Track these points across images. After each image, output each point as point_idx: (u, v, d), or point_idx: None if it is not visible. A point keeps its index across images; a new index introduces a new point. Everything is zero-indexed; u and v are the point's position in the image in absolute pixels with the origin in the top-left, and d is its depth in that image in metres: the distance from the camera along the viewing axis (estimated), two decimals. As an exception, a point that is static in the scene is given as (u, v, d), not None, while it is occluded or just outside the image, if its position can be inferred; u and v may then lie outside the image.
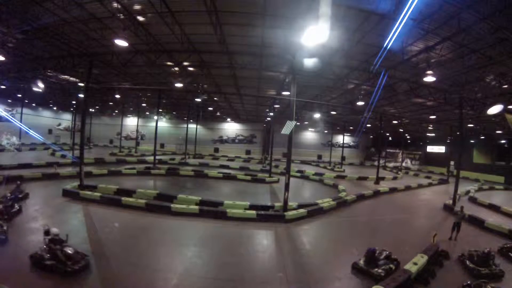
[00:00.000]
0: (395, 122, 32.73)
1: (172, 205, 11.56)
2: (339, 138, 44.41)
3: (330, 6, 4.95)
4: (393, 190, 21.00)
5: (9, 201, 9.60)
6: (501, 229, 11.43)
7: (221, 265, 7.30)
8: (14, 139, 28.04)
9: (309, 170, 28.76)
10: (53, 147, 30.56)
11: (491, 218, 13.43)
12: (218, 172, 22.97)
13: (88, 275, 6.34)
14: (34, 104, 38.66)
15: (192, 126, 40.69)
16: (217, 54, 14.37)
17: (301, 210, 12.19)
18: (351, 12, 9.63)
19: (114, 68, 18.29)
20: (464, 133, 25.78)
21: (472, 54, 11.46)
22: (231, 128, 46.54)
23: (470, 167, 33.77)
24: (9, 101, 34.29)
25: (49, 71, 20.34)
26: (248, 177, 21.43)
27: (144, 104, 37.08)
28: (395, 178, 28.81)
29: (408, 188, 22.95)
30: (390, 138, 47.99)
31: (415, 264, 6.98)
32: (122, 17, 11.45)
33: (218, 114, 40.78)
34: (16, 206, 9.71)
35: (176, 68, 18.23)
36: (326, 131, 44.45)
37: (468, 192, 21.39)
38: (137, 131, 41.76)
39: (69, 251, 6.49)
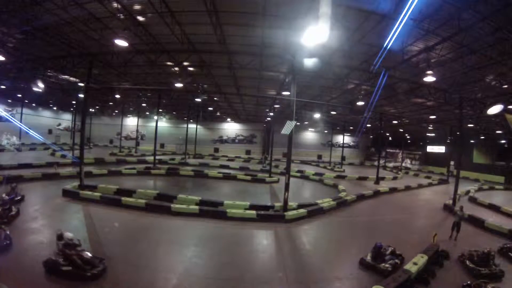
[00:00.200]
0: (395, 122, 32.72)
1: (172, 205, 11.56)
2: (339, 138, 44.40)
3: (330, 6, 4.94)
4: (393, 190, 21.00)
5: (7, 204, 9.32)
6: (501, 229, 11.43)
7: (221, 265, 7.31)
8: (14, 139, 28.00)
9: (309, 170, 28.76)
10: (53, 147, 30.56)
11: (491, 218, 13.43)
12: (218, 172, 22.97)
13: (107, 279, 6.19)
14: (34, 104, 38.65)
15: (192, 126, 40.67)
16: (217, 54, 14.37)
17: (301, 210, 12.19)
18: (351, 12, 9.63)
19: (114, 68, 18.29)
20: (464, 133, 25.78)
21: (472, 54, 11.46)
22: (231, 128, 46.53)
23: (470, 167, 33.75)
24: (9, 101, 34.28)
25: (49, 71, 20.34)
26: (248, 177, 21.43)
27: (144, 104, 37.07)
28: (395, 178, 28.80)
29: (408, 188, 22.94)
30: (390, 138, 47.98)
31: (415, 264, 6.99)
32: (122, 17, 11.46)
33: (218, 114, 40.78)
34: (14, 209, 9.41)
35: (176, 68, 18.23)
36: (326, 131, 44.45)
37: (468, 192, 21.39)
38: (137, 131, 41.74)
39: (87, 255, 6.33)
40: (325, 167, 35.11)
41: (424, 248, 8.28)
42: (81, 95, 26.71)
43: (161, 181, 19.22)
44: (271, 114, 29.20)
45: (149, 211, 11.40)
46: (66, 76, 22.94)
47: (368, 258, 7.79)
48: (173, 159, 32.09)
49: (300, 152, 43.12)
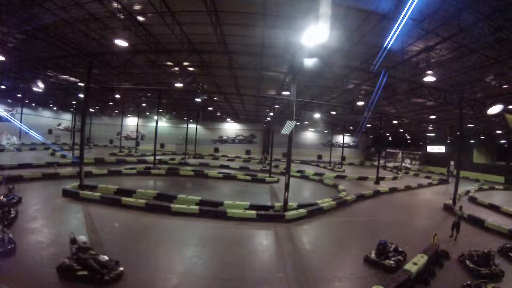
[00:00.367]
0: (395, 122, 32.73)
1: (172, 205, 11.56)
2: (339, 138, 44.41)
3: (330, 6, 4.94)
4: (393, 190, 20.99)
5: (5, 206, 9.03)
6: (501, 229, 11.43)
7: (221, 265, 7.30)
8: (14, 139, 28.00)
9: (309, 170, 28.77)
10: (53, 147, 30.57)
11: (491, 218, 13.42)
12: (218, 172, 22.98)
13: (126, 282, 6.09)
14: (34, 104, 38.66)
15: (192, 126, 40.68)
16: (217, 54, 14.37)
17: (301, 210, 12.19)
18: (351, 12, 9.64)
19: (114, 68, 18.29)
20: (464, 133, 25.80)
21: (472, 54, 11.47)
22: (231, 128, 46.53)
23: (470, 167, 33.75)
24: (9, 101, 34.29)
25: (49, 71, 20.36)
26: (248, 177, 21.43)
27: (144, 104, 37.09)
28: (395, 178, 28.80)
29: (408, 188, 22.94)
30: (390, 138, 48.00)
31: (415, 264, 6.98)
32: (122, 17, 11.46)
33: (218, 114, 40.78)
34: (13, 211, 9.19)
35: (176, 68, 18.24)
36: (326, 131, 44.45)
37: (468, 192, 21.38)
38: (137, 131, 41.74)
39: (103, 259, 6.17)
40: (325, 167, 35.12)
41: (424, 248, 8.28)
42: (81, 95, 26.73)
43: (161, 181, 19.22)
44: (271, 114, 29.21)
45: (149, 211, 11.39)
46: (66, 76, 22.95)
47: (373, 255, 7.94)
48: (173, 159, 32.09)
49: (300, 152, 43.12)
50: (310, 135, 47.04)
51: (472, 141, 35.88)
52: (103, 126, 47.79)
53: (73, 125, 39.42)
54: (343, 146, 40.19)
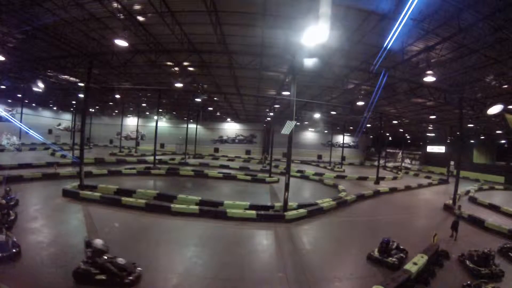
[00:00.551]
0: (395, 122, 32.73)
1: (172, 205, 11.56)
2: (339, 138, 44.41)
3: (330, 6, 4.94)
4: (393, 190, 20.99)
5: (4, 208, 8.84)
6: (501, 229, 11.43)
7: (221, 265, 7.30)
8: (14, 139, 27.99)
9: (309, 170, 28.77)
10: (53, 147, 30.56)
11: (491, 218, 13.42)
12: (218, 172, 22.97)
13: (144, 284, 6.05)
14: (34, 104, 38.66)
15: (192, 126, 40.68)
16: (217, 54, 14.37)
17: (301, 210, 12.19)
18: (351, 12, 9.64)
19: (114, 68, 18.29)
20: (464, 133, 25.80)
21: (472, 54, 11.47)
22: (231, 128, 46.53)
23: (470, 167, 33.75)
24: (9, 101, 34.29)
25: (49, 71, 20.36)
26: (248, 177, 21.43)
27: (144, 104, 37.09)
28: (395, 178, 28.80)
29: (408, 188, 22.94)
30: (390, 138, 47.99)
31: (415, 264, 6.98)
32: (122, 17, 11.46)
33: (218, 114, 40.79)
34: (12, 213, 8.94)
35: (176, 68, 18.24)
36: (326, 131, 44.45)
37: (468, 192, 21.38)
38: (137, 131, 41.75)
39: (121, 261, 6.07)
40: (325, 167, 35.12)
41: (424, 248, 8.28)
42: (81, 95, 26.74)
43: (161, 181, 19.22)
44: (271, 114, 29.22)
45: (149, 211, 11.40)
46: (66, 76, 22.96)
47: (376, 253, 8.07)
48: (173, 159, 32.09)
49: (300, 152, 43.12)
50: (310, 135, 47.04)
51: (472, 141, 35.89)
52: (103, 126, 47.79)
53: (73, 125, 39.42)
54: (343, 146, 40.18)
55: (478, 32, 9.55)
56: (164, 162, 28.84)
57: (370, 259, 8.07)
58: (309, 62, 13.28)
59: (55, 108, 43.04)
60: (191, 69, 18.14)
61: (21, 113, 32.95)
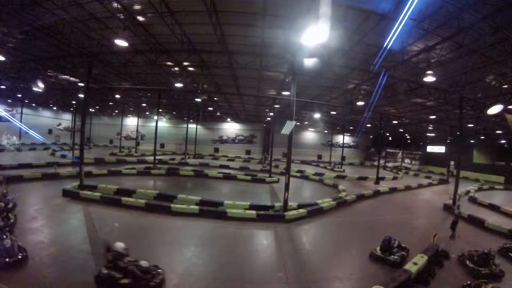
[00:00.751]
0: (395, 122, 32.71)
1: (172, 205, 11.56)
2: (339, 138, 44.41)
3: (330, 6, 4.93)
4: (393, 190, 21.00)
5: (3, 212, 8.62)
6: (501, 229, 11.43)
7: (221, 265, 7.31)
8: (14, 139, 28.01)
9: (309, 170, 28.77)
10: (53, 147, 30.55)
11: (491, 218, 13.42)
12: (218, 172, 22.98)
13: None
14: (34, 104, 38.65)
15: (192, 126, 40.69)
16: (217, 54, 14.37)
17: (301, 210, 12.20)
18: (351, 12, 9.62)
19: (114, 68, 18.29)
20: (464, 133, 25.81)
21: (472, 54, 11.46)
22: (231, 128, 46.52)
23: (470, 167, 33.74)
24: (9, 101, 34.29)
25: (49, 71, 20.34)
26: (248, 177, 21.43)
27: (144, 104, 37.06)
28: (395, 178, 28.81)
29: (408, 188, 22.95)
30: (390, 138, 47.96)
31: (415, 264, 6.99)
32: (122, 17, 11.44)
33: (218, 114, 40.76)
34: (11, 216, 8.70)
35: (176, 68, 18.23)
36: (326, 131, 44.44)
37: (468, 192, 21.39)
38: (137, 131, 41.76)
39: (145, 264, 5.97)
40: (325, 167, 35.11)
41: (424, 248, 8.29)
42: (81, 95, 26.73)
43: (161, 181, 19.22)
44: (271, 114, 29.20)
45: (149, 211, 11.40)
46: (66, 76, 22.93)
47: (378, 251, 8.22)
48: (173, 159, 32.10)
49: (300, 152, 43.12)
50: (310, 135, 47.04)
51: (472, 141, 35.86)
52: (103, 126, 47.76)
53: (73, 125, 39.41)
54: (343, 146, 40.18)
55: (478, 32, 9.55)
56: (164, 162, 28.86)
57: (372, 257, 8.21)
58: (309, 62, 13.28)
59: (55, 108, 43.02)
60: (191, 69, 18.12)
61: (21, 113, 33.00)
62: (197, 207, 11.65)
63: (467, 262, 7.96)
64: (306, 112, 29.41)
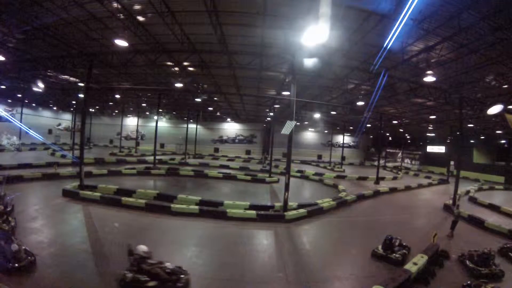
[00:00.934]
0: (395, 122, 32.73)
1: (172, 205, 11.56)
2: (339, 138, 44.39)
3: (330, 6, 4.94)
4: (393, 190, 20.99)
5: (3, 215, 8.25)
6: (501, 229, 11.43)
7: (221, 265, 7.30)
8: (14, 139, 28.00)
9: (309, 170, 28.75)
10: (53, 147, 30.55)
11: (491, 218, 13.42)
12: (218, 172, 22.97)
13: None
14: (34, 104, 38.67)
15: (192, 126, 40.68)
16: (217, 54, 14.38)
17: (301, 210, 12.19)
18: (351, 12, 9.63)
19: (114, 68, 18.30)
20: (464, 133, 25.80)
21: (472, 54, 11.46)
22: (231, 128, 46.52)
23: (470, 167, 33.74)
24: (9, 101, 34.31)
25: (49, 71, 20.35)
26: (248, 177, 21.42)
27: (144, 104, 37.09)
28: (395, 178, 28.80)
29: (408, 188, 22.94)
30: (390, 138, 47.99)
31: (415, 264, 6.98)
32: (122, 17, 11.46)
33: (218, 114, 40.78)
34: (11, 219, 8.34)
35: (176, 68, 18.23)
36: (326, 131, 44.44)
37: (468, 192, 21.39)
38: (137, 131, 41.76)
39: (170, 266, 5.90)
40: (325, 167, 35.09)
41: (424, 248, 8.29)
42: (81, 95, 26.74)
43: (161, 181, 19.22)
44: (271, 114, 29.20)
45: (149, 211, 11.39)
46: (66, 76, 22.95)
47: (380, 249, 8.34)
48: (173, 159, 32.08)
49: (300, 152, 43.12)
50: (310, 135, 47.04)
51: (472, 141, 35.87)
52: (103, 126, 47.77)
53: (73, 125, 39.40)
54: (343, 146, 40.17)
55: (478, 32, 9.55)
56: (164, 162, 28.84)
57: (374, 255, 8.32)
58: (309, 62, 13.29)
59: (55, 108, 43.04)
60: (191, 69, 18.12)
61: (21, 113, 32.96)
62: (197, 207, 11.64)
63: (467, 262, 7.95)
64: (306, 112, 29.42)
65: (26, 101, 34.54)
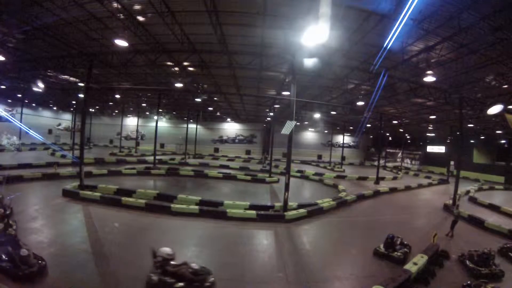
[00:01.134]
0: (395, 122, 32.72)
1: (172, 205, 11.56)
2: (339, 138, 44.39)
3: (330, 6, 4.94)
4: (393, 190, 20.99)
5: (5, 218, 8.07)
6: (501, 229, 11.44)
7: (221, 265, 7.29)
8: (14, 139, 27.97)
9: (309, 170, 28.75)
10: (53, 147, 30.55)
11: (491, 218, 13.42)
12: (218, 172, 22.97)
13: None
14: (34, 104, 38.66)
15: (192, 126, 40.67)
16: (217, 54, 14.37)
17: (301, 210, 12.19)
18: (351, 12, 9.63)
19: (114, 68, 18.28)
20: (464, 133, 25.80)
21: (472, 54, 11.46)
22: (231, 128, 46.52)
23: (470, 167, 33.75)
24: (9, 101, 34.29)
25: (49, 71, 20.35)
26: (248, 177, 21.42)
27: (144, 104, 37.09)
28: (395, 178, 28.80)
29: (408, 188, 22.95)
30: (390, 138, 47.98)
31: (415, 264, 6.99)
32: (122, 17, 11.45)
33: (218, 114, 40.78)
34: (11, 222, 8.08)
35: (176, 68, 18.23)
36: (326, 131, 44.44)
37: (468, 192, 21.39)
38: (137, 131, 41.74)
39: (196, 266, 5.81)
40: (325, 167, 35.10)
41: (424, 248, 8.30)
42: (81, 95, 26.73)
43: (161, 181, 19.21)
44: (271, 114, 29.20)
45: (149, 211, 11.39)
46: (66, 76, 22.95)
47: (382, 248, 8.46)
48: (173, 159, 32.08)
49: (300, 152, 43.12)
50: (310, 135, 47.04)
51: (472, 141, 35.88)
52: (103, 126, 47.77)
53: (73, 125, 39.38)
54: (343, 146, 40.17)
55: (478, 32, 9.55)
56: (164, 162, 28.84)
57: (376, 254, 8.45)
58: (309, 62, 13.28)
59: (55, 108, 43.03)
60: (191, 69, 18.12)
61: (21, 113, 32.94)
62: (197, 207, 11.64)
63: (467, 262, 7.96)
64: (306, 112, 29.40)
65: (26, 101, 34.53)
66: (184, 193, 14.07)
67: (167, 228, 9.83)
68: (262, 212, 11.55)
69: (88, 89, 15.75)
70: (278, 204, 12.75)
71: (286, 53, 13.10)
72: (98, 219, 10.18)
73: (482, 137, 34.25)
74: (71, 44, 14.62)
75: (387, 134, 45.27)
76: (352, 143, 47.78)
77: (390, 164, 44.23)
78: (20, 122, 31.97)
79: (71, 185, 13.65)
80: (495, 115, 16.16)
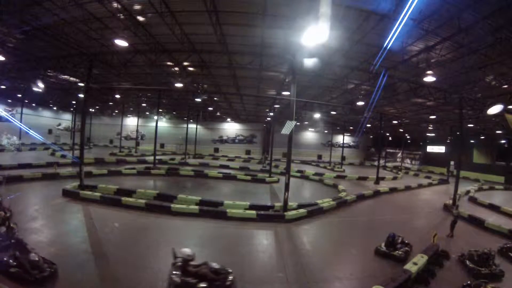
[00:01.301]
0: (395, 122, 32.72)
1: (172, 205, 11.56)
2: (339, 138, 44.41)
3: (330, 6, 4.93)
4: (393, 190, 21.00)
5: (6, 221, 7.83)
6: (501, 229, 11.44)
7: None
8: (14, 139, 27.98)
9: (309, 170, 28.75)
10: (53, 147, 30.54)
11: (491, 218, 13.42)
12: (218, 172, 22.97)
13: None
14: (34, 104, 38.65)
15: (192, 126, 40.68)
16: (217, 54, 14.37)
17: (301, 210, 12.20)
18: (351, 12, 9.62)
19: (114, 68, 18.28)
20: (464, 133, 25.80)
21: (472, 54, 11.46)
22: (231, 128, 46.52)
23: (470, 167, 33.77)
24: (9, 101, 34.29)
25: (49, 71, 20.34)
26: (248, 177, 21.42)
27: (144, 104, 37.09)
28: (395, 178, 28.80)
29: (408, 188, 22.94)
30: (390, 138, 47.98)
31: (415, 264, 6.99)
32: (122, 17, 11.45)
33: (218, 114, 40.77)
34: (12, 224, 7.87)
35: (176, 68, 18.23)
36: (326, 131, 44.44)
37: (468, 192, 21.39)
38: (137, 131, 41.73)
39: (215, 266, 5.86)
40: (325, 167, 35.11)
41: (424, 248, 8.30)
42: (81, 95, 26.73)
43: (161, 181, 19.21)
44: (271, 114, 29.21)
45: (149, 211, 11.40)
46: (66, 76, 22.94)
47: (383, 247, 8.59)
48: (173, 159, 32.09)
49: (300, 152, 43.12)
50: (310, 135, 47.04)
51: (472, 141, 35.88)
52: (103, 126, 47.77)
53: (73, 125, 39.39)
54: (343, 146, 40.18)
55: (478, 32, 9.55)
56: (164, 162, 28.85)
57: (378, 253, 8.54)
58: (309, 62, 13.27)
59: (55, 108, 43.02)
60: (191, 69, 18.12)
61: (21, 113, 32.94)
62: (197, 207, 11.65)
63: (467, 262, 7.96)
64: (306, 112, 29.37)
65: (26, 101, 34.52)
66: (184, 193, 14.08)
67: (167, 228, 9.84)
68: (262, 212, 11.56)
69: (88, 89, 15.76)
70: (278, 204, 12.75)
71: (286, 53, 13.10)
72: (98, 219, 10.19)
73: (482, 137, 34.25)
74: (71, 44, 14.61)
75: (387, 134, 45.27)
76: (352, 143, 47.80)
77: (390, 164, 44.24)
78: (20, 122, 31.98)
79: (71, 185, 13.66)
80: (495, 115, 16.16)
